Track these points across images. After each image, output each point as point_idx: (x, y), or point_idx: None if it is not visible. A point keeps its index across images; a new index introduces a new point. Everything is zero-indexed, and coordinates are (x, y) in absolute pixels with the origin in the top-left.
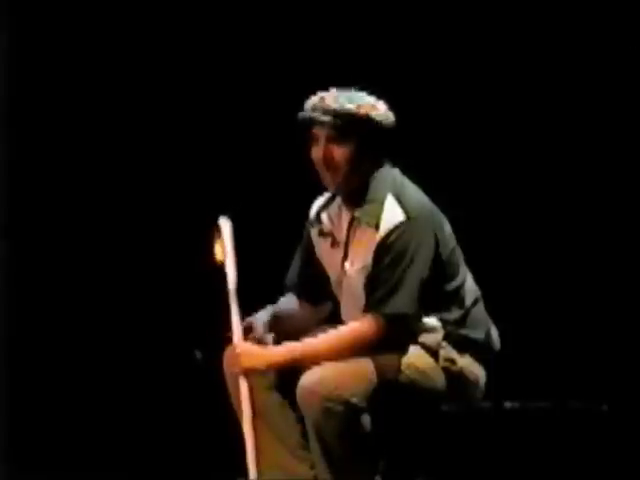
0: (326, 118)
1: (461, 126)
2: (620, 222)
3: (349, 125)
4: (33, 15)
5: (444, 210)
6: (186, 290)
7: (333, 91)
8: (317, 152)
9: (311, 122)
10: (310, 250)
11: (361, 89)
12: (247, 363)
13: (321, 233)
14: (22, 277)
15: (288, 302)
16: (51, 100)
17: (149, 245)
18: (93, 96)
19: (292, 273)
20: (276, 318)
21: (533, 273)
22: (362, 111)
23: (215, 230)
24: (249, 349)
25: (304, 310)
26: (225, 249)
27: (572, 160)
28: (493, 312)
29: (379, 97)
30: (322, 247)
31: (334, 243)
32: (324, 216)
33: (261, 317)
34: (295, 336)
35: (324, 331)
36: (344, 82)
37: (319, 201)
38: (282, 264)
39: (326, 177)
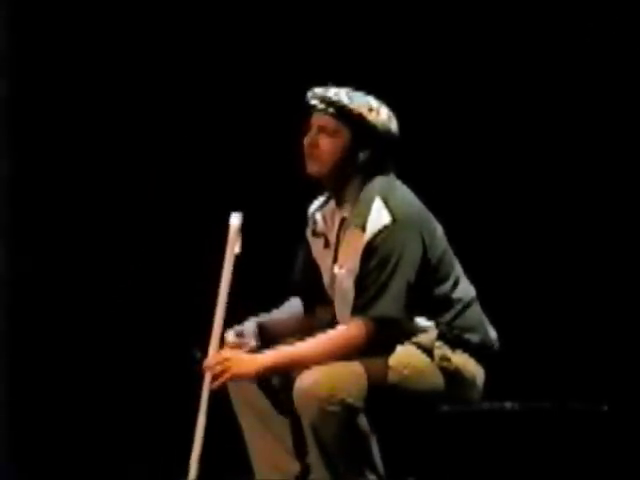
0: (320, 105)
1: (458, 127)
2: (621, 222)
3: (340, 118)
4: (32, 13)
5: (442, 212)
6: (186, 289)
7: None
8: (306, 139)
9: (309, 108)
10: (308, 251)
11: (368, 93)
12: (237, 369)
13: (314, 233)
14: (22, 278)
15: (287, 306)
16: (50, 99)
17: (149, 245)
18: (92, 94)
19: (295, 275)
20: (262, 328)
21: (533, 273)
22: (357, 108)
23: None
24: (239, 354)
25: (301, 315)
26: (232, 247)
27: (567, 158)
28: (493, 312)
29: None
30: (316, 248)
31: (326, 244)
32: (318, 216)
33: (250, 326)
34: (282, 342)
35: (312, 336)
36: (344, 84)
37: (317, 201)
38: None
39: (310, 166)
